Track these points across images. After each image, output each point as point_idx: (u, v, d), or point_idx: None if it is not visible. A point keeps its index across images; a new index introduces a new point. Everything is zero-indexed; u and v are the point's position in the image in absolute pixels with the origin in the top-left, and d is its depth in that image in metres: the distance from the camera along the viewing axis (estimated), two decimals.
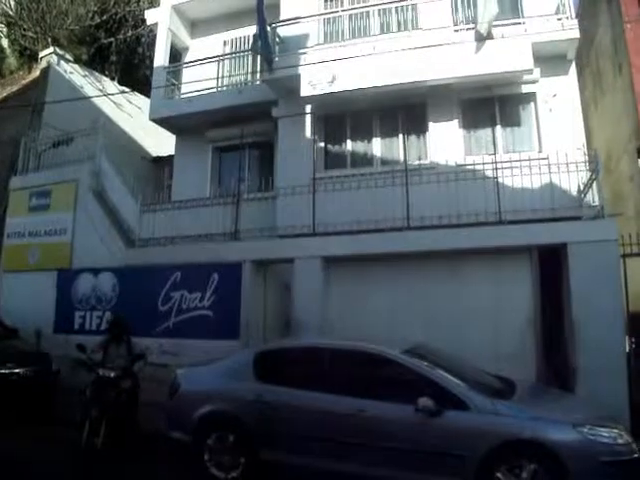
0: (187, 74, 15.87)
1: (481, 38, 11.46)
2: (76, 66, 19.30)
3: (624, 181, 13.13)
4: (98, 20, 22.30)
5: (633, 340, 9.46)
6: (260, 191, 12.57)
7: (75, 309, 13.05)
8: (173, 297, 11.91)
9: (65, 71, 18.53)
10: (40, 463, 7.54)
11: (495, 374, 7.58)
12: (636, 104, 12.04)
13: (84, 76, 19.27)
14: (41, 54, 18.72)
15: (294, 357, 7.80)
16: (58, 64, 18.32)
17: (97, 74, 20.34)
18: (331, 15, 13.54)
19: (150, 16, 16.82)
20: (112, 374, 8.21)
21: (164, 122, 15.92)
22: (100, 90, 19.10)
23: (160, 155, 19.10)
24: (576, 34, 11.29)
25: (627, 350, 9.20)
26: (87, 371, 8.49)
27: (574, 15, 11.49)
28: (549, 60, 11.59)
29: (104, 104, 18.66)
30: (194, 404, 7.52)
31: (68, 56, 19.26)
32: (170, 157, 17.12)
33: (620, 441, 5.94)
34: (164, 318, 11.90)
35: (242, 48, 16.00)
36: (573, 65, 12.07)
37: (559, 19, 11.39)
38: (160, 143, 18.58)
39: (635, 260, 9.83)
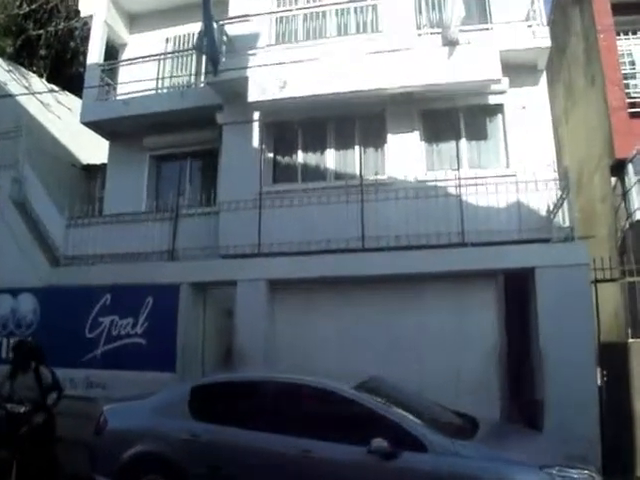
0: (124, 73, 15.71)
1: (446, 43, 11.58)
2: None
3: (596, 201, 13.38)
4: (26, 9, 21.95)
5: (604, 371, 9.59)
6: (201, 206, 12.47)
7: None
8: (102, 322, 11.66)
9: None
10: None
11: (456, 410, 7.59)
12: (609, 118, 12.30)
13: (8, 71, 18.74)
14: None
15: (234, 392, 7.66)
16: None
17: (23, 69, 19.84)
18: (284, 14, 13.55)
19: (84, 7, 16.53)
20: (22, 409, 7.93)
21: (97, 126, 15.64)
22: (26, 88, 18.59)
23: (92, 163, 18.74)
24: (547, 43, 11.49)
25: (598, 382, 9.32)
26: None
27: (545, 22, 11.75)
28: (518, 69, 11.71)
29: (30, 104, 18.19)
30: (123, 444, 7.35)
31: None
32: (103, 165, 16.82)
33: None
34: (92, 346, 11.62)
35: (186, 46, 15.86)
36: (544, 75, 12.21)
37: (529, 26, 11.57)
38: (92, 150, 18.24)
39: (607, 286, 10.02)
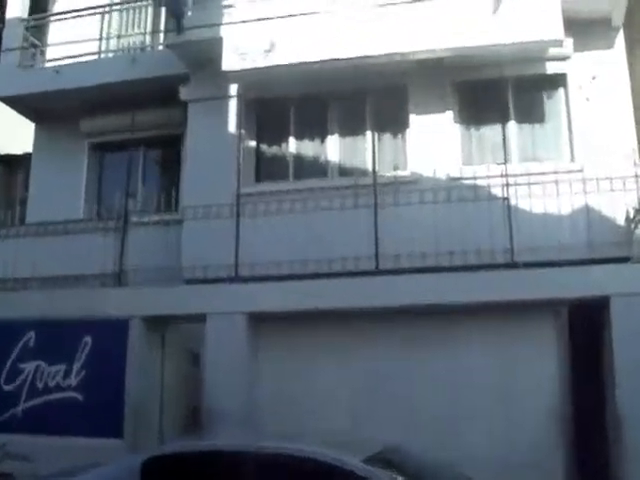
0: (56, 32, 15.68)
1: None
2: None
3: None
4: None
5: None
6: (159, 212, 12.54)
7: None
8: (24, 370, 11.72)
9: None
10: None
11: None
12: None
13: None
14: None
15: (203, 467, 7.62)
16: None
17: None
18: None
19: None
20: None
21: (18, 102, 15.64)
22: None
23: (11, 153, 18.76)
24: None
25: None
26: None
27: None
28: (586, 27, 11.70)
29: None
30: None
31: None
32: (27, 156, 16.84)
33: None
34: (10, 402, 11.69)
35: None
36: (621, 34, 12.17)
37: None
38: (12, 135, 18.27)
39: None
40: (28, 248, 12.56)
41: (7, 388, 11.66)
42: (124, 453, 9.68)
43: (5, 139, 18.48)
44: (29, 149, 16.55)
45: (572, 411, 9.85)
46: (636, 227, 10.59)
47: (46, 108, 15.37)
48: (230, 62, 12.34)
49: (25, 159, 16.94)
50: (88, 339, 11.38)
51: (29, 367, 11.64)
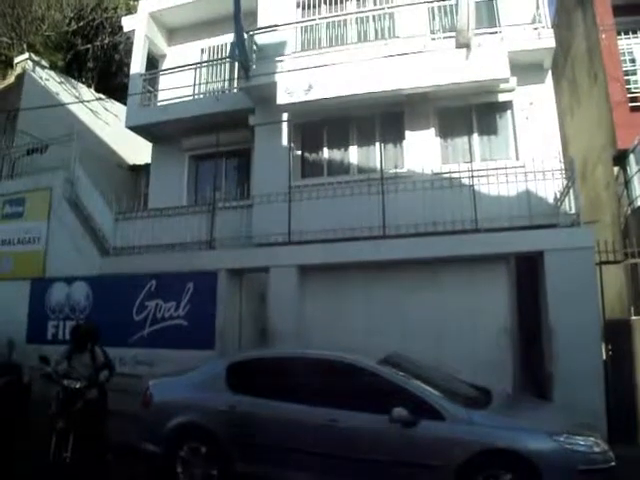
0: (164, 82, 15.81)
1: (459, 46, 11.49)
2: (52, 72, 18.98)
3: (600, 188, 13.24)
4: (75, 26, 22.16)
5: (609, 347, 9.45)
6: (236, 199, 12.49)
7: (48, 319, 12.82)
8: (148, 306, 11.74)
9: (41, 77, 18.23)
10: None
11: (471, 383, 7.52)
12: (611, 112, 12.15)
13: (60, 83, 18.95)
14: (16, 60, 18.42)
15: (268, 367, 7.61)
16: (33, 70, 18.04)
17: (73, 81, 20.01)
18: (308, 23, 13.47)
19: (127, 23, 16.75)
20: (77, 385, 7.92)
21: (140, 130, 15.79)
22: (76, 97, 18.76)
23: (137, 163, 18.93)
24: (552, 43, 11.36)
25: (604, 357, 9.20)
26: (52, 383, 8.23)
27: (550, 25, 11.58)
28: (526, 69, 11.61)
29: (80, 111, 18.45)
30: (166, 415, 7.38)
31: (44, 62, 18.96)
32: (147, 165, 17.00)
33: (596, 449, 5.91)
34: (139, 328, 11.72)
35: (219, 56, 15.97)
36: (549, 74, 12.11)
37: (535, 28, 11.47)
38: (137, 151, 18.38)
39: (611, 267, 9.89)
40: (149, 226, 12.59)
41: (137, 318, 11.70)
42: (215, 359, 9.66)
43: (133, 154, 18.69)
44: (148, 160, 16.67)
45: (518, 328, 9.77)
46: (561, 204, 10.51)
47: (159, 133, 15.46)
48: (282, 98, 12.42)
49: (146, 167, 17.16)
50: (190, 285, 11.39)
51: (151, 304, 11.68)
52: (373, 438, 6.33)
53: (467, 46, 11.42)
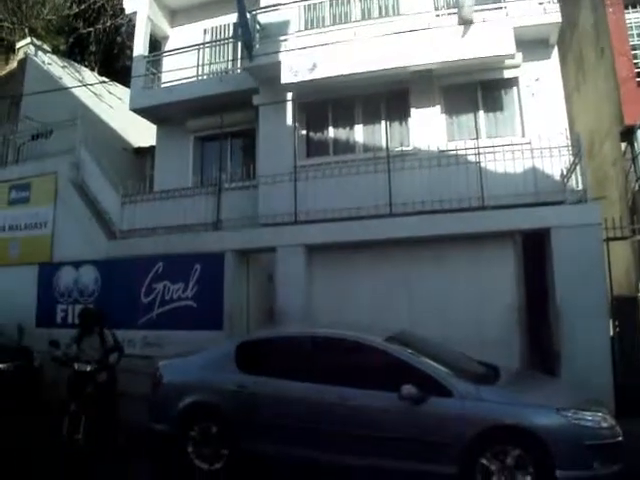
0: (167, 63, 15.67)
1: (462, 22, 11.36)
2: (54, 57, 18.94)
3: (607, 165, 13.12)
4: (76, 10, 22.00)
5: (617, 323, 9.45)
6: (242, 180, 12.47)
7: (57, 303, 12.92)
8: (156, 288, 11.80)
9: (43, 62, 18.20)
10: (20, 463, 7.38)
11: (479, 360, 7.53)
12: (618, 88, 12.04)
13: (63, 67, 18.90)
14: (18, 45, 18.37)
15: (276, 347, 7.67)
16: (36, 55, 18.01)
17: (76, 64, 19.97)
18: (312, 1, 13.29)
19: (129, 5, 16.61)
20: (88, 368, 8.02)
21: (144, 112, 15.74)
22: (79, 81, 18.65)
23: (141, 146, 18.87)
24: (558, 18, 11.22)
25: (611, 333, 9.20)
26: (63, 367, 8.32)
27: None
28: (531, 45, 11.49)
29: (84, 95, 18.36)
30: (177, 396, 7.44)
31: (46, 46, 18.90)
32: (152, 147, 16.97)
33: (604, 424, 5.93)
34: (147, 309, 11.81)
35: (222, 36, 15.84)
36: (555, 49, 11.99)
37: (540, 3, 11.30)
38: (141, 134, 18.33)
39: (618, 244, 9.85)
40: (155, 208, 12.70)
41: (145, 300, 11.78)
42: (224, 340, 9.72)
43: (137, 137, 18.66)
44: (153, 142, 16.68)
45: (525, 305, 9.75)
46: (568, 181, 10.43)
47: (163, 115, 15.39)
48: (286, 78, 12.34)
49: (151, 149, 17.13)
50: (198, 266, 11.44)
51: (159, 286, 11.74)
52: (382, 415, 6.36)
53: (471, 22, 11.31)
